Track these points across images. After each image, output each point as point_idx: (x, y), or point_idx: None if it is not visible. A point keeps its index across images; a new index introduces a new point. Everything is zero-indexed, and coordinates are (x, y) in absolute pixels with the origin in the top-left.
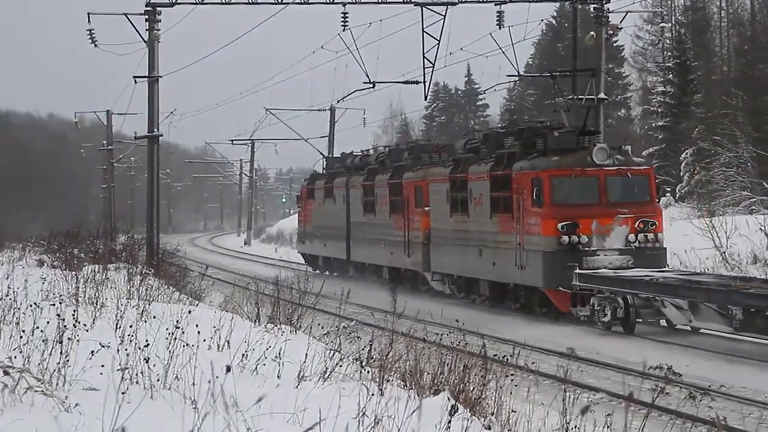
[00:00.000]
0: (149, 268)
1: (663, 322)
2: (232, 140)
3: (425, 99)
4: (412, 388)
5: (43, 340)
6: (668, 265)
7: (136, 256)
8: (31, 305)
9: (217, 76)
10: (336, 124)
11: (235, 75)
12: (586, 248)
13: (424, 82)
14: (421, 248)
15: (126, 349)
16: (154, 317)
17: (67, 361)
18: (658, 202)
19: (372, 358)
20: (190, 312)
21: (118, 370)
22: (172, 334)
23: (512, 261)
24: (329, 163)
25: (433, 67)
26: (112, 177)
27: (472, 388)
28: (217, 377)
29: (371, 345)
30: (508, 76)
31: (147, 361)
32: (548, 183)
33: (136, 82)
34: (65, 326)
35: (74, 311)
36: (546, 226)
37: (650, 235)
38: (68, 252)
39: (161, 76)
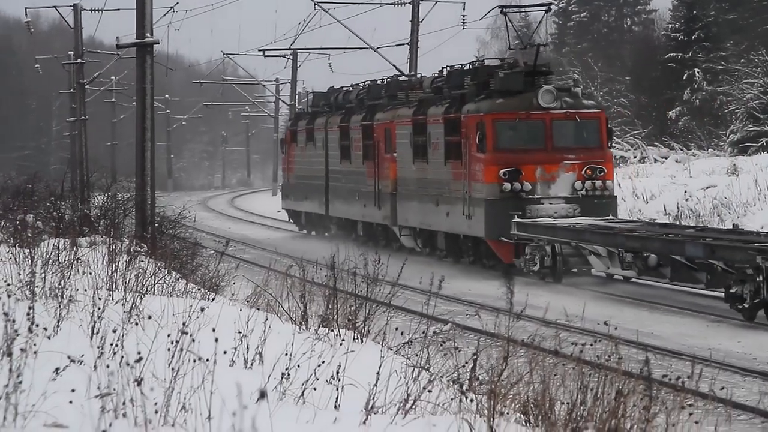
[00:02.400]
0: (141, 244)
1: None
2: (263, 50)
3: None
4: (537, 426)
5: None
6: (617, 214)
7: (120, 225)
8: None
9: None
10: (420, 24)
11: None
12: (530, 196)
13: None
14: (389, 199)
15: (108, 366)
16: (149, 317)
17: (20, 383)
18: (610, 147)
19: (477, 379)
20: (203, 310)
21: (96, 396)
22: (177, 342)
23: (461, 211)
24: (315, 99)
25: None
26: (83, 105)
27: (629, 426)
28: (245, 407)
29: (476, 360)
30: None
31: (139, 384)
32: (491, 127)
33: None
34: (16, 331)
35: (29, 308)
36: (488, 172)
37: (598, 183)
38: (18, 219)
39: None
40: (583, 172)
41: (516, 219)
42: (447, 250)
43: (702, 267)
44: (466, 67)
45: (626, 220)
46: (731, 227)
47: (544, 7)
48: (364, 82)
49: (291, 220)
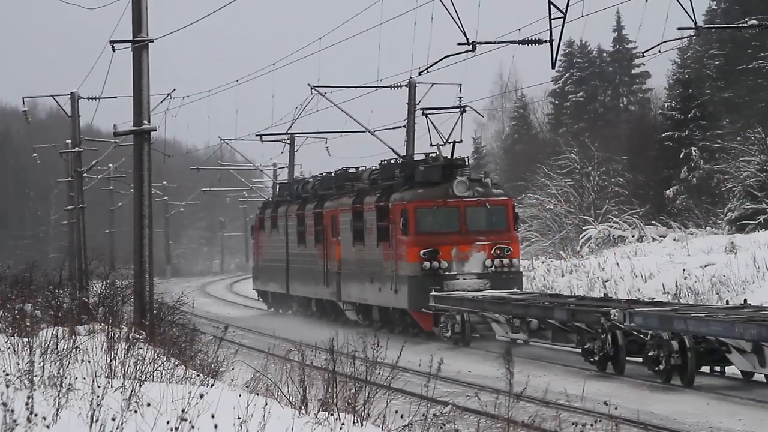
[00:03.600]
0: (139, 331)
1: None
2: (260, 135)
3: (553, 67)
4: None
5: None
6: (523, 288)
7: (119, 313)
8: None
9: (238, 40)
10: (417, 107)
11: (265, 38)
12: (446, 273)
13: (551, 40)
14: (335, 278)
15: None
16: (149, 405)
17: None
18: (516, 229)
19: None
20: (202, 396)
21: None
22: (176, 429)
23: (390, 286)
24: (280, 190)
25: (565, 17)
26: (80, 194)
27: None
28: None
29: None
30: (679, 29)
31: None
32: (413, 214)
33: (114, 50)
34: (15, 421)
35: (28, 398)
36: (411, 253)
37: (506, 260)
38: (16, 308)
39: (152, 40)
40: (492, 252)
41: (433, 293)
42: (381, 321)
43: (573, 329)
44: (400, 161)
45: (526, 292)
46: (602, 296)
47: (460, 109)
48: (322, 173)
49: (260, 299)
